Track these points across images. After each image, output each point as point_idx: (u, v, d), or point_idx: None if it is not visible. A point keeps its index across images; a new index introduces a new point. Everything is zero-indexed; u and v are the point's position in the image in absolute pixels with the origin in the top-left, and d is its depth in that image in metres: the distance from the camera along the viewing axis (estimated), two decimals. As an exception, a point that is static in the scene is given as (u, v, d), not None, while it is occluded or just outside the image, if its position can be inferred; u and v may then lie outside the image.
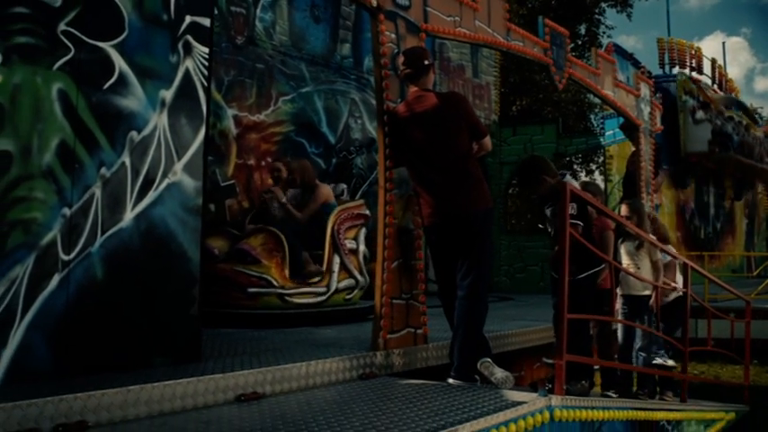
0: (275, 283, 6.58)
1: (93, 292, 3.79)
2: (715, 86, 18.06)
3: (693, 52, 16.65)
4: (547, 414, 4.31)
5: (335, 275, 7.06)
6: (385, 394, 4.30)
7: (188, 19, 4.25)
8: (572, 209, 5.29)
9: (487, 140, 5.10)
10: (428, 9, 5.57)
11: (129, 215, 3.94)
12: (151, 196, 4.05)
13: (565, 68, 7.28)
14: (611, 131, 11.53)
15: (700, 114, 15.80)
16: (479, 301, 4.85)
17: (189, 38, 4.24)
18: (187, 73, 4.23)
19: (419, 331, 5.30)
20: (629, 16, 21.21)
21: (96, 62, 3.81)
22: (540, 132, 12.71)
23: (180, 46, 4.20)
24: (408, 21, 5.36)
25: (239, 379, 4.02)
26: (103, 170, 3.83)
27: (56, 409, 3.21)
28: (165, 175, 4.11)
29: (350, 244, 7.36)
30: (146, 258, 4.02)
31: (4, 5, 3.47)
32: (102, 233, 3.83)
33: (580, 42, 19.90)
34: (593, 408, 4.90)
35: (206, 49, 4.34)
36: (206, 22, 4.35)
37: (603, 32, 20.85)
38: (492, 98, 12.59)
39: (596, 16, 20.59)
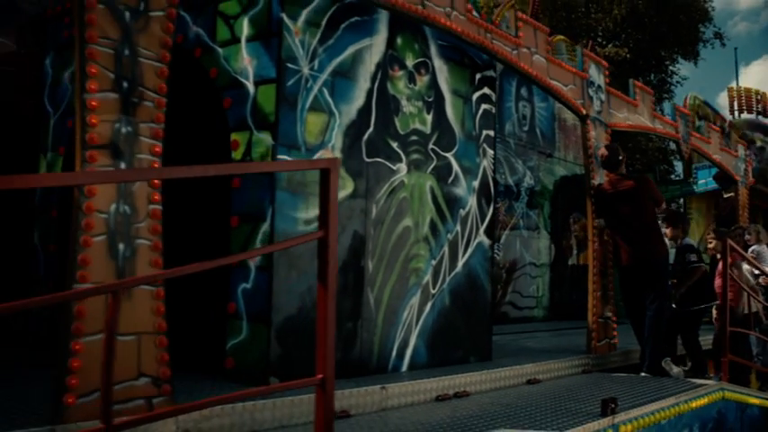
0: None
1: (444, 314, 5.98)
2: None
3: (759, 98, 18.80)
4: (720, 393, 6.42)
5: None
6: (611, 381, 6.43)
7: (483, 132, 6.46)
8: (695, 256, 7.59)
9: (662, 207, 7.24)
10: (610, 110, 7.77)
11: (460, 263, 6.14)
12: (469, 251, 6.24)
13: (689, 141, 9.45)
14: (704, 180, 13.60)
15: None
16: (662, 319, 6.97)
17: (485, 145, 6.45)
18: (484, 168, 6.43)
19: (612, 341, 7.43)
20: (695, 63, 23.52)
21: (445, 167, 6.03)
22: (639, 180, 14.71)
23: (480, 151, 6.42)
24: (601, 121, 7.56)
25: (525, 369, 6.18)
26: (449, 235, 6.04)
27: (452, 384, 5.38)
28: (475, 237, 6.30)
29: None
30: (467, 292, 6.21)
31: (406, 136, 5.69)
32: (449, 275, 6.02)
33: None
34: (742, 393, 6.99)
35: (492, 152, 6.55)
36: (492, 133, 6.56)
37: (677, 82, 23.31)
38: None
39: (669, 67, 23.00)
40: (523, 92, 12.21)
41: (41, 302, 3.01)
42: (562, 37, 9.59)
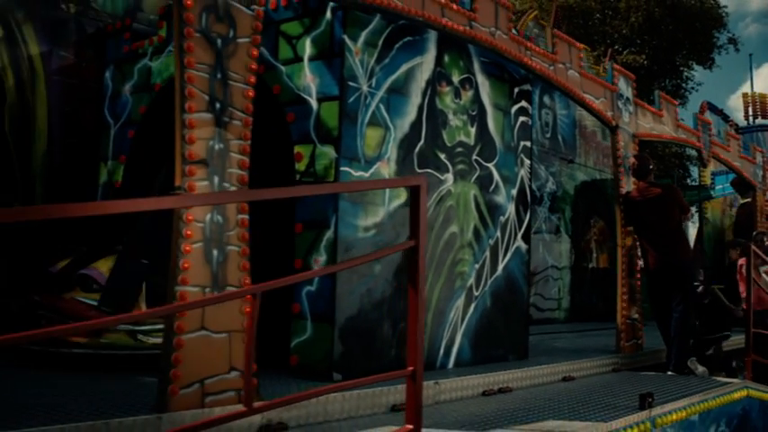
0: None
1: (486, 315, 6.36)
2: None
3: (773, 102, 19.25)
4: (745, 391, 6.78)
5: None
6: (641, 379, 6.80)
7: (521, 143, 6.84)
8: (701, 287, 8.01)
9: (688, 215, 7.64)
10: (638, 121, 8.15)
11: (500, 267, 6.52)
12: (508, 255, 6.62)
13: (710, 149, 9.82)
14: (721, 186, 13.98)
15: None
16: (688, 320, 7.35)
17: (522, 155, 6.84)
18: (522, 178, 6.81)
19: (639, 341, 7.80)
20: (710, 68, 23.89)
21: (487, 176, 6.41)
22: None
23: (518, 161, 6.80)
24: (629, 132, 7.93)
25: (560, 367, 6.55)
26: (490, 241, 6.42)
27: (496, 380, 5.76)
28: (513, 242, 6.68)
29: None
30: (506, 294, 6.59)
31: (453, 148, 6.07)
32: (490, 278, 6.40)
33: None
34: (765, 392, 7.34)
35: (529, 162, 6.93)
36: (528, 144, 6.94)
37: (692, 88, 23.76)
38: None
39: (684, 73, 23.43)
40: (546, 100, 12.59)
41: (191, 306, 3.41)
42: (583, 46, 9.95)
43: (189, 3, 3.96)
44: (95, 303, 5.27)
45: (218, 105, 4.07)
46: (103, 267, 5.51)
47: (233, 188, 4.08)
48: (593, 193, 13.50)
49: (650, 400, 5.15)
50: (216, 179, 4.03)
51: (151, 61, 6.56)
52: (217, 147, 4.05)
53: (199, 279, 3.89)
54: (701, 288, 8.26)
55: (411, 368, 3.24)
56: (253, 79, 4.25)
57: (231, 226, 4.08)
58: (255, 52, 4.28)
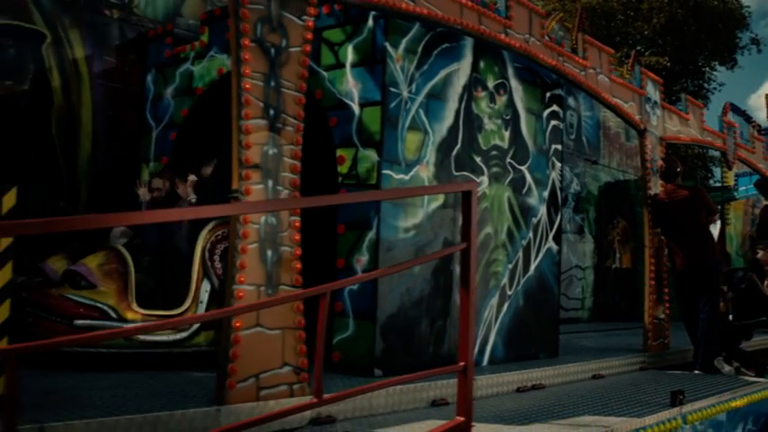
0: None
1: (518, 314, 6.53)
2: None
3: (796, 103, 19.19)
4: (771, 390, 6.92)
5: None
6: (668, 377, 6.95)
7: (552, 147, 7.00)
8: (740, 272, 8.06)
9: (715, 217, 7.77)
10: (665, 125, 8.29)
11: (532, 267, 6.69)
12: (540, 256, 6.79)
13: (735, 152, 9.95)
14: (744, 187, 14.11)
15: None
16: (715, 320, 7.48)
17: (553, 158, 7.00)
18: (553, 180, 6.98)
19: (666, 341, 7.95)
20: (732, 69, 23.94)
21: (520, 179, 6.58)
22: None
23: (549, 164, 6.96)
24: (656, 135, 8.08)
25: (590, 365, 6.71)
26: (523, 241, 6.59)
27: (529, 377, 5.93)
28: (545, 243, 6.85)
29: None
30: (537, 293, 6.75)
31: (488, 151, 6.25)
32: (522, 278, 6.58)
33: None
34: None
35: (559, 164, 7.09)
36: (559, 147, 7.10)
37: (714, 88, 23.85)
38: (637, 157, 15.28)
39: (707, 74, 23.51)
40: (570, 101, 12.73)
41: (259, 306, 3.61)
42: (611, 51, 10.07)
43: (246, 14, 4.15)
44: (83, 300, 5.17)
45: (272, 112, 4.26)
46: (92, 264, 5.39)
47: (286, 191, 4.27)
48: (616, 194, 13.65)
49: (681, 397, 5.31)
50: (270, 183, 4.22)
51: (193, 65, 6.75)
52: (271, 152, 4.24)
53: (254, 278, 4.09)
54: (739, 274, 8.35)
55: (462, 363, 3.42)
56: (303, 86, 4.44)
57: (284, 227, 4.27)
58: (306, 61, 4.47)
